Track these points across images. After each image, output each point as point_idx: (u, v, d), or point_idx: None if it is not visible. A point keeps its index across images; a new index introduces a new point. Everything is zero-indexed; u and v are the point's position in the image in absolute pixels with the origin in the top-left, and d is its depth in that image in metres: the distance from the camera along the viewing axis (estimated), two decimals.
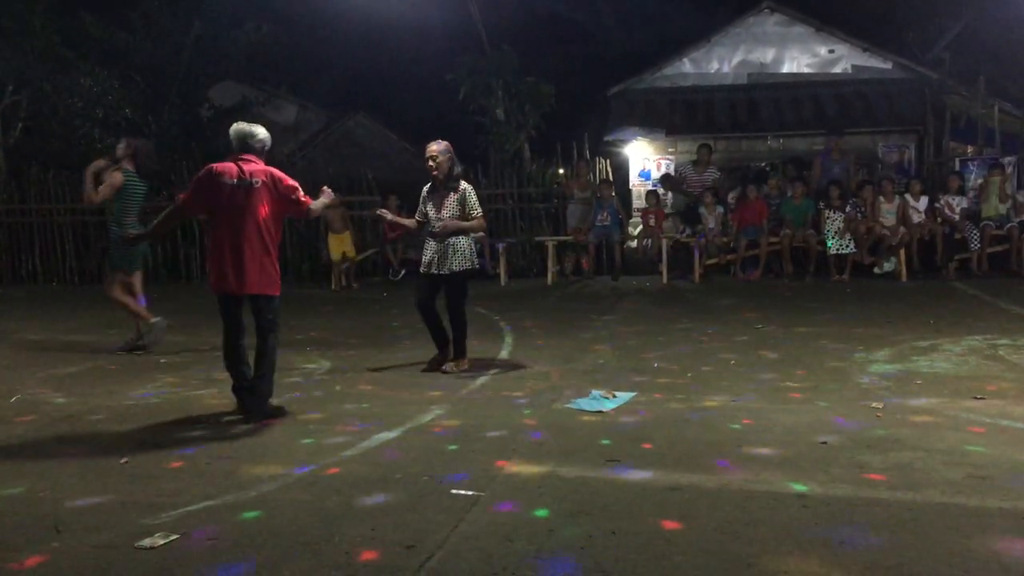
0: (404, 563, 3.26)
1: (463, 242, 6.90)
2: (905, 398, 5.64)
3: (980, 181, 13.13)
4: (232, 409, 5.78)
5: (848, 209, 12.69)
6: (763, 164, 15.39)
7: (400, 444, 4.89)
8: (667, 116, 15.94)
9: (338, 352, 8.00)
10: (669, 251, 13.30)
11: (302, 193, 5.77)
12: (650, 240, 13.74)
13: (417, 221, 7.12)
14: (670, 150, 15.72)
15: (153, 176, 8.42)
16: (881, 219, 12.69)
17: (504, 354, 7.70)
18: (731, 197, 13.57)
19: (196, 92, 17.95)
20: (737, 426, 5.07)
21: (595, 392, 5.96)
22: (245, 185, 5.55)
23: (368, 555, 3.35)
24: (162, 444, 4.99)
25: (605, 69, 20.23)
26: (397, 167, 19.98)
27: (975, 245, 12.52)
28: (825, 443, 4.66)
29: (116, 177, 8.14)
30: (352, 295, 12.94)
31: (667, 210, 13.99)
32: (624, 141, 15.72)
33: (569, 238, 14.10)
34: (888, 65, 16.33)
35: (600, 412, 5.48)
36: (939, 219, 12.68)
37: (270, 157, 5.94)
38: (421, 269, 7.06)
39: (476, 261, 7.10)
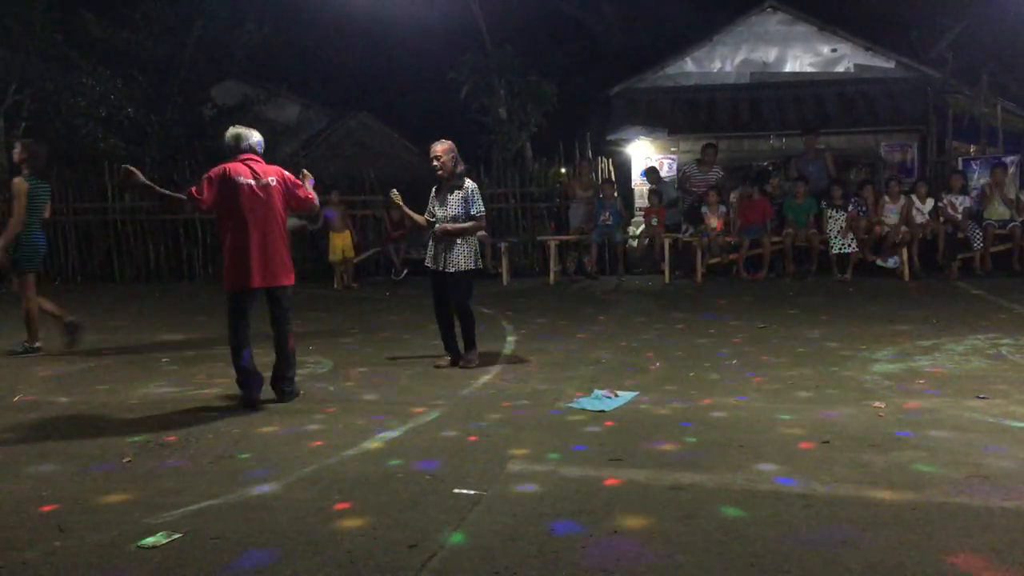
0: (406, 562, 3.26)
1: (468, 242, 7.01)
2: (907, 397, 5.64)
3: (984, 181, 13.12)
4: (234, 405, 5.79)
5: (850, 208, 12.68)
6: (765, 163, 15.38)
7: (402, 443, 4.89)
8: (669, 115, 15.93)
9: (340, 351, 8.00)
10: (671, 250, 13.29)
11: (311, 194, 6.12)
12: (652, 239, 13.73)
13: (427, 220, 7.16)
14: (672, 149, 15.71)
15: (43, 175, 8.43)
16: (884, 218, 12.68)
17: (506, 353, 7.71)
18: (733, 196, 13.57)
19: (198, 91, 17.96)
20: (739, 426, 5.07)
21: (597, 391, 5.96)
22: (263, 184, 5.81)
23: (370, 554, 3.35)
24: (164, 443, 4.99)
25: (607, 68, 20.24)
26: (399, 166, 20.00)
27: (978, 244, 12.51)
28: (827, 442, 4.66)
29: (21, 187, 8.10)
30: (354, 295, 12.94)
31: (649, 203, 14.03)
32: (626, 140, 15.71)
33: (571, 237, 14.10)
34: (891, 64, 16.31)
35: (602, 411, 5.48)
36: (941, 218, 12.66)
37: (272, 156, 6.05)
38: (428, 264, 7.16)
39: (479, 261, 7.21)
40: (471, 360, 7.08)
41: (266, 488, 4.16)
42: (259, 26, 18.19)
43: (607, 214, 13.62)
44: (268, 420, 5.51)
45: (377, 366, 7.24)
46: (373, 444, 4.88)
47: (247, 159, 5.89)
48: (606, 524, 3.58)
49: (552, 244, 13.81)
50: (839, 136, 15.27)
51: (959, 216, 12.65)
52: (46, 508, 3.95)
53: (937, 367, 6.60)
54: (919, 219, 12.63)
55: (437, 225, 6.99)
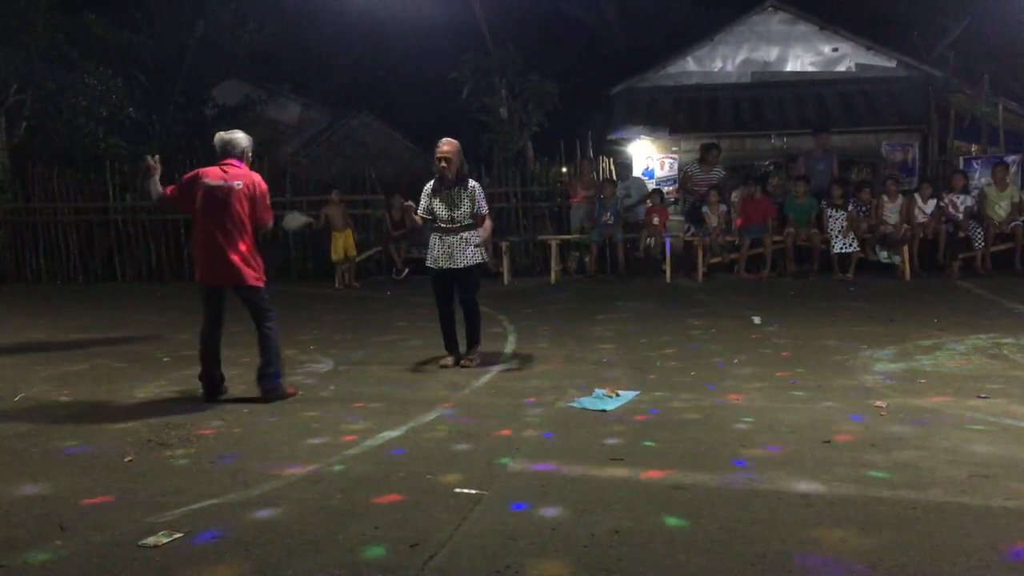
0: (408, 561, 3.27)
1: (474, 238, 7.05)
2: (909, 397, 5.63)
3: (985, 181, 13.11)
4: (235, 405, 5.80)
5: (850, 208, 12.68)
6: (766, 163, 15.37)
7: (404, 442, 4.90)
8: (671, 115, 15.91)
9: (341, 351, 8.00)
10: (673, 250, 13.30)
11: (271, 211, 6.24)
12: (653, 239, 13.73)
13: (422, 218, 7.16)
14: (673, 149, 15.69)
15: None
16: (885, 217, 12.67)
17: (507, 352, 7.71)
18: (735, 196, 13.56)
19: (200, 91, 17.96)
20: (740, 425, 5.07)
21: (598, 391, 5.96)
22: (227, 187, 5.97)
23: (372, 553, 3.35)
24: (166, 442, 4.99)
25: (608, 67, 20.21)
26: (400, 166, 20.00)
27: (979, 244, 12.50)
28: (829, 442, 4.66)
29: None
30: (355, 294, 12.95)
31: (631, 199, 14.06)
32: (627, 140, 15.69)
33: (572, 237, 14.09)
34: (892, 63, 16.29)
35: (603, 411, 5.48)
36: (942, 218, 12.66)
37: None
38: (431, 264, 7.16)
39: (484, 255, 7.26)
40: (473, 359, 7.09)
41: (267, 487, 4.16)
42: (260, 26, 18.19)
43: (608, 214, 13.62)
44: (269, 419, 5.51)
45: (378, 365, 7.24)
46: (374, 443, 4.89)
47: (226, 163, 6.08)
48: (608, 523, 3.58)
49: (553, 243, 13.81)
50: (840, 135, 15.23)
51: (960, 215, 12.64)
52: (47, 507, 3.95)
53: (938, 366, 6.59)
54: (920, 218, 12.63)
55: (475, 238, 7.05)
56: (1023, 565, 3.11)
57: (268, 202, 6.19)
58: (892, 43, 17.09)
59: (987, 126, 14.81)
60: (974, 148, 15.13)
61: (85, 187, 16.13)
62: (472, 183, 7.07)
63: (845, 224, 12.59)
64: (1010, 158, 13.46)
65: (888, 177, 13.53)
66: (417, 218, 7.21)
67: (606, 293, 12.00)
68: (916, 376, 6.28)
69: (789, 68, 16.49)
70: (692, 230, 13.57)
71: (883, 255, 12.76)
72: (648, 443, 4.74)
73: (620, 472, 4.25)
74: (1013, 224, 12.46)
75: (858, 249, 12.59)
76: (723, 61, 16.67)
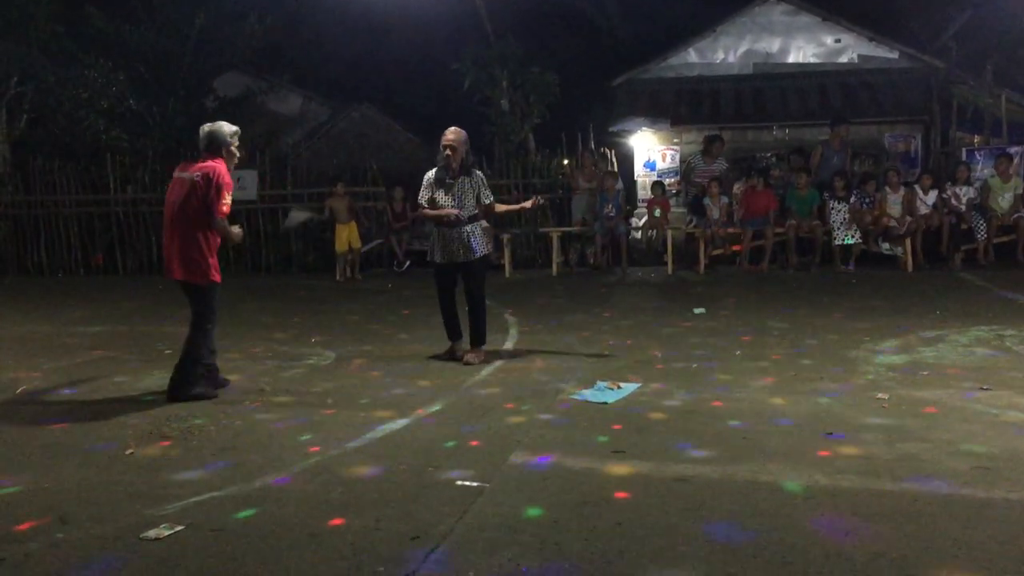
0: (409, 554, 3.26)
1: (478, 229, 7.00)
2: (911, 389, 5.63)
3: (988, 172, 13.08)
4: (236, 397, 5.80)
5: (852, 200, 12.66)
6: (768, 155, 15.34)
7: (405, 435, 4.90)
8: (672, 106, 15.88)
9: (342, 343, 7.99)
10: (675, 242, 13.29)
11: (223, 205, 5.85)
12: (655, 231, 13.72)
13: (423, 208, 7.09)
14: (675, 141, 15.67)
15: None
16: (887, 209, 12.64)
17: (509, 345, 7.70)
18: (737, 188, 13.54)
19: (201, 83, 17.92)
20: (742, 417, 5.06)
21: (600, 383, 5.96)
22: (183, 179, 5.93)
23: (372, 546, 3.35)
24: (167, 435, 4.99)
25: (610, 59, 20.17)
26: (402, 158, 19.96)
27: (981, 235, 12.48)
28: (831, 434, 4.65)
29: None
30: (356, 286, 12.94)
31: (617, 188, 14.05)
32: (629, 132, 15.66)
33: (574, 229, 14.08)
34: (894, 54, 16.24)
35: (605, 403, 5.47)
36: (945, 209, 12.63)
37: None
38: (436, 259, 7.07)
39: (489, 247, 7.25)
40: (477, 357, 6.93)
41: (268, 480, 4.16)
42: (261, 17, 18.15)
43: (610, 206, 13.60)
44: (270, 412, 5.50)
45: (380, 358, 7.23)
46: (376, 436, 4.88)
47: (202, 156, 5.98)
48: (609, 516, 3.58)
49: (555, 236, 13.80)
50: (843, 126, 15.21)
51: (963, 207, 12.62)
52: (48, 499, 3.95)
53: (941, 358, 6.58)
54: (923, 210, 12.60)
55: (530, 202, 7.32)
56: None
57: (222, 195, 5.84)
58: (894, 34, 17.04)
59: (990, 117, 14.78)
60: (976, 139, 15.11)
61: (86, 180, 16.11)
62: (478, 174, 7.03)
63: (848, 216, 12.57)
64: (1013, 149, 13.42)
65: (889, 168, 13.50)
66: (450, 211, 6.89)
67: (608, 285, 11.99)
68: (918, 368, 6.26)
69: (791, 59, 16.44)
70: (694, 222, 13.55)
71: (885, 247, 12.74)
72: (650, 435, 4.74)
73: (622, 464, 4.24)
74: (1016, 216, 12.43)
75: (860, 241, 12.57)
76: (725, 52, 16.63)
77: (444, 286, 7.11)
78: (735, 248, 13.26)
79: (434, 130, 7.12)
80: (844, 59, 16.33)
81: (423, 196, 7.05)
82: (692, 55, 16.73)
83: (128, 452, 4.66)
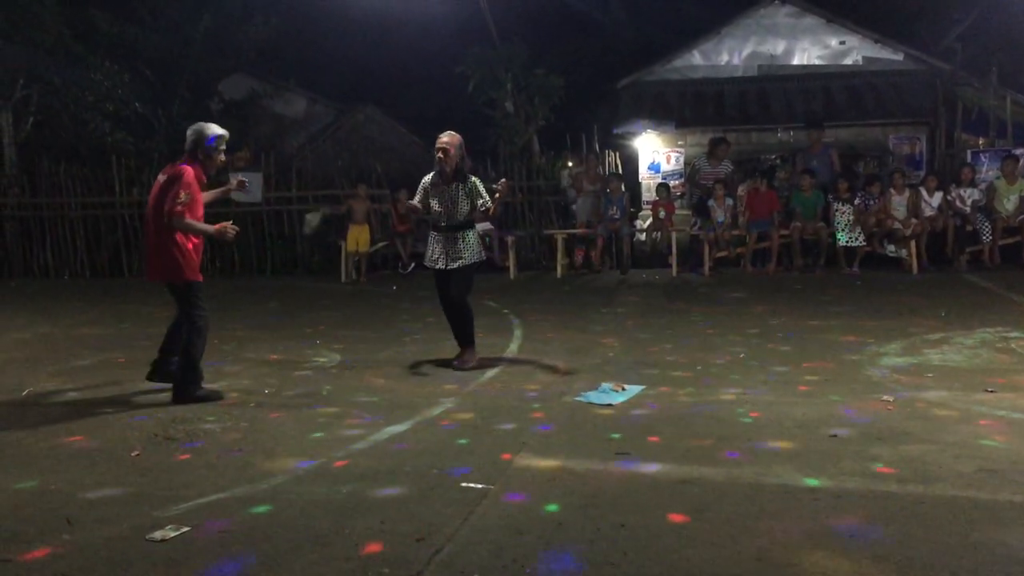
0: (414, 556, 3.27)
1: (471, 235, 6.91)
2: (916, 391, 5.62)
3: (993, 174, 13.06)
4: (241, 399, 5.81)
5: (857, 201, 12.65)
6: (773, 157, 15.33)
7: (410, 437, 4.90)
8: (677, 108, 15.87)
9: (348, 345, 8.00)
10: (679, 244, 13.28)
11: (177, 205, 5.79)
12: (659, 233, 13.72)
13: (420, 206, 7.02)
14: (679, 143, 15.65)
15: None
16: (892, 211, 12.63)
17: (513, 347, 7.70)
18: (741, 190, 13.54)
19: (205, 85, 17.98)
20: (747, 419, 5.06)
21: (604, 385, 5.96)
22: (159, 180, 6.00)
23: (378, 547, 3.36)
24: (173, 437, 5.00)
25: (615, 61, 20.15)
26: (406, 160, 19.96)
27: (986, 237, 12.46)
28: (836, 436, 4.65)
29: None
30: (362, 288, 12.96)
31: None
32: (634, 134, 15.66)
33: (578, 231, 14.09)
34: (899, 56, 16.21)
35: (609, 405, 5.47)
36: (950, 211, 12.61)
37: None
38: (427, 263, 7.05)
39: (483, 253, 7.11)
40: (467, 361, 6.81)
41: (274, 481, 4.17)
42: (266, 20, 18.19)
43: (614, 208, 13.60)
44: (276, 414, 5.51)
45: (384, 360, 7.24)
46: (380, 437, 4.89)
47: (184, 157, 6.04)
48: (613, 518, 3.58)
49: (559, 238, 13.80)
50: (847, 129, 15.18)
51: (968, 209, 12.60)
52: (55, 501, 3.97)
53: (946, 360, 6.57)
54: (927, 212, 12.59)
55: (487, 204, 6.80)
56: None
57: (176, 194, 5.77)
58: (899, 36, 17.02)
59: (995, 119, 14.74)
60: (982, 141, 15.06)
61: (91, 182, 16.16)
62: (472, 179, 6.87)
63: (853, 217, 12.55)
64: (1019, 151, 13.38)
65: (895, 170, 13.48)
66: (413, 204, 6.99)
67: (612, 287, 11.99)
68: (923, 370, 6.26)
69: (796, 61, 16.42)
70: (699, 224, 13.55)
71: (890, 248, 12.73)
72: (654, 437, 4.74)
73: (626, 466, 4.24)
74: (1021, 218, 12.41)
75: (865, 243, 12.56)
76: (729, 54, 16.61)
77: (442, 290, 6.99)
78: (740, 251, 13.25)
79: (439, 132, 7.06)
80: (849, 61, 16.30)
81: (417, 198, 7.01)
82: (697, 57, 16.72)
83: (134, 454, 4.68)
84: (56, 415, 5.62)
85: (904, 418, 4.98)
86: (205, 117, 17.48)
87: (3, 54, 15.91)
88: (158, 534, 3.52)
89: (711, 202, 13.30)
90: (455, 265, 6.85)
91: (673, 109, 15.83)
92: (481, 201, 6.85)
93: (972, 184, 12.85)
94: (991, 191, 12.70)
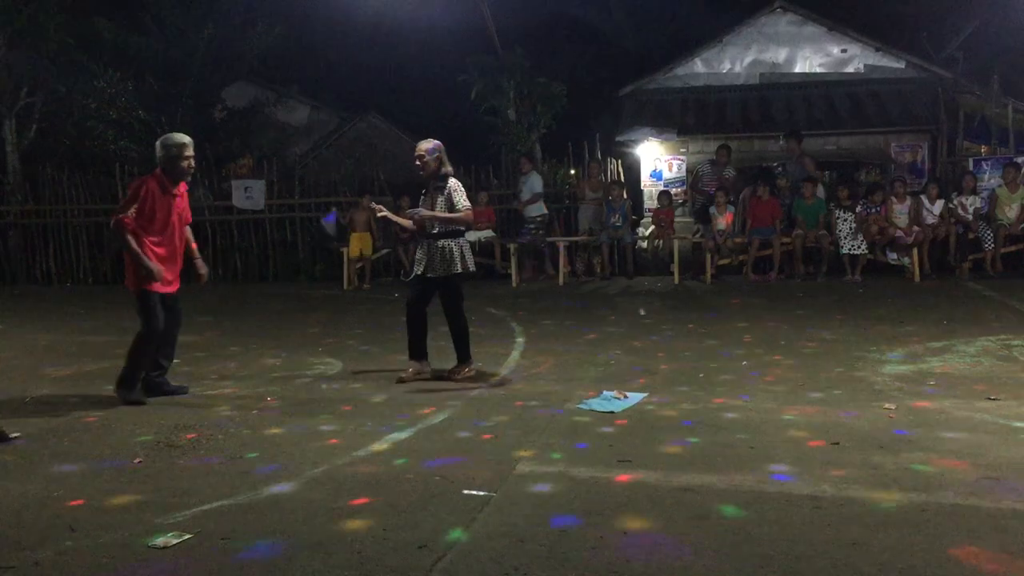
0: (416, 563, 3.27)
1: (450, 244, 6.66)
2: (918, 399, 5.62)
3: (995, 182, 13.07)
4: (244, 406, 5.82)
5: (859, 209, 12.66)
6: (775, 164, 15.36)
7: (412, 444, 4.90)
8: (679, 116, 15.91)
9: (349, 352, 8.01)
10: (681, 252, 13.29)
11: (127, 213, 6.03)
12: (661, 241, 13.73)
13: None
14: (682, 150, 15.69)
15: None
16: (894, 219, 12.63)
17: (516, 355, 7.71)
18: (742, 197, 13.55)
19: (209, 93, 18.02)
20: (749, 427, 5.06)
21: (607, 392, 5.96)
22: None
23: (379, 555, 3.36)
24: (175, 444, 5.01)
25: (617, 69, 20.22)
26: (409, 168, 19.96)
27: (989, 245, 12.46)
28: (837, 444, 4.64)
29: None
30: (364, 296, 12.97)
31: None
32: (635, 141, 15.69)
33: (580, 238, 14.10)
34: (901, 64, 16.26)
35: (611, 412, 5.47)
36: (952, 219, 12.62)
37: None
38: (414, 269, 6.96)
39: (468, 264, 6.77)
40: (460, 371, 6.69)
41: (276, 489, 4.17)
42: (270, 28, 18.23)
43: (616, 216, 13.62)
44: (278, 421, 5.52)
45: (386, 367, 7.24)
46: (383, 445, 4.89)
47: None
48: (616, 525, 3.58)
49: (561, 245, 13.81)
50: (849, 137, 15.22)
51: (970, 217, 12.60)
52: (57, 508, 3.97)
53: (948, 368, 6.57)
54: (929, 220, 12.59)
55: (418, 213, 6.67)
56: None
57: (123, 202, 6.17)
58: (901, 44, 17.08)
59: (996, 127, 14.77)
60: (983, 149, 15.09)
61: (95, 189, 16.19)
62: (450, 183, 6.67)
63: (854, 225, 12.56)
64: (1021, 159, 13.41)
65: (896, 178, 13.50)
66: (406, 222, 6.84)
67: (614, 295, 12.00)
68: (925, 378, 6.25)
69: (798, 69, 16.47)
70: (701, 231, 13.56)
71: (892, 257, 12.73)
72: (656, 445, 4.74)
73: (628, 474, 4.24)
74: (1023, 226, 12.41)
75: (866, 252, 12.56)
76: (731, 62, 16.66)
77: (412, 297, 6.81)
78: (741, 258, 13.26)
79: (442, 140, 7.04)
80: (851, 69, 16.35)
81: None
82: (699, 65, 16.76)
83: (136, 461, 4.68)
84: (58, 422, 5.63)
85: (906, 426, 4.97)
86: (208, 125, 17.61)
87: (7, 62, 15.97)
88: (160, 541, 3.52)
89: (712, 209, 13.31)
90: (433, 274, 6.68)
91: (675, 117, 15.87)
92: (457, 200, 6.65)
93: (974, 192, 12.86)
94: (993, 199, 12.71)
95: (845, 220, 12.65)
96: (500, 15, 17.24)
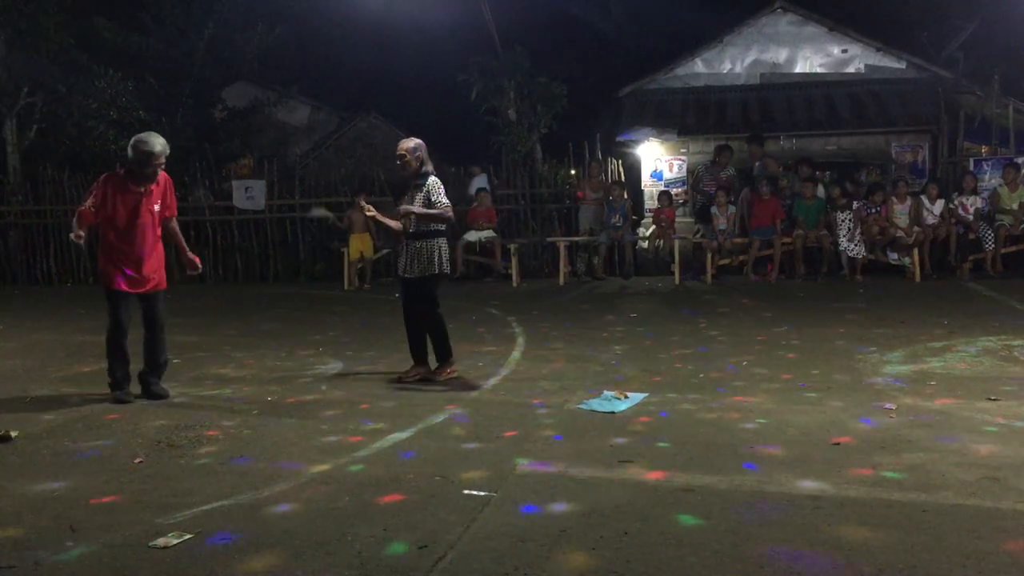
0: (417, 563, 3.27)
1: (426, 246, 6.66)
2: (919, 399, 5.61)
3: (995, 182, 13.08)
4: (244, 406, 5.82)
5: (856, 206, 12.68)
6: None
7: (413, 444, 4.90)
8: (679, 116, 15.91)
9: (350, 352, 8.01)
10: (682, 251, 13.29)
11: (85, 205, 6.31)
12: (662, 241, 13.73)
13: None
14: (682, 151, 15.69)
15: None
16: (894, 219, 12.63)
17: (516, 355, 7.70)
18: (743, 197, 13.56)
19: (209, 93, 18.02)
20: (750, 426, 5.06)
21: (607, 393, 5.96)
22: None
23: (380, 555, 3.36)
24: (176, 443, 5.01)
25: (617, 69, 20.22)
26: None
27: (989, 245, 12.46)
28: (838, 444, 4.64)
29: None
30: (364, 295, 12.97)
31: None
32: (636, 142, 15.69)
33: (581, 239, 14.10)
34: (902, 65, 16.26)
35: (612, 412, 5.47)
36: (953, 219, 12.62)
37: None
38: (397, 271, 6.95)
39: (444, 266, 6.73)
40: (442, 371, 6.66)
41: (276, 489, 4.17)
42: (270, 28, 18.24)
43: (617, 216, 13.62)
44: (278, 421, 5.52)
45: (387, 367, 7.24)
46: (383, 445, 4.89)
47: None
48: (616, 525, 3.58)
49: (562, 245, 13.82)
50: (850, 137, 15.22)
51: (971, 217, 12.61)
52: (57, 508, 3.97)
53: (948, 369, 6.57)
54: (930, 220, 12.59)
55: (400, 207, 6.66)
56: None
57: (84, 202, 6.35)
58: (902, 44, 17.06)
59: (997, 127, 14.77)
60: (984, 149, 15.09)
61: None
62: (429, 181, 6.62)
63: (853, 225, 12.56)
64: (1021, 159, 13.41)
65: (898, 179, 13.50)
66: (394, 224, 6.83)
67: (614, 295, 12.00)
68: (926, 378, 6.25)
69: (798, 69, 16.47)
70: (702, 231, 13.56)
71: (893, 257, 12.74)
72: (657, 445, 4.74)
73: (629, 474, 4.24)
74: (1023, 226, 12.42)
75: (866, 253, 12.56)
76: (732, 62, 16.66)
77: (403, 297, 6.84)
78: (742, 258, 13.26)
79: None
80: (851, 69, 16.35)
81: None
82: (699, 65, 16.76)
83: (137, 461, 4.68)
84: (59, 422, 5.63)
85: (907, 426, 4.97)
86: (209, 125, 17.62)
87: (7, 62, 15.98)
88: (161, 541, 3.52)
89: (713, 209, 13.32)
90: (409, 275, 6.70)
91: (675, 117, 15.86)
92: (435, 199, 6.60)
93: (974, 192, 12.87)
94: (994, 199, 12.72)
95: (843, 220, 12.65)
96: (500, 15, 17.24)
